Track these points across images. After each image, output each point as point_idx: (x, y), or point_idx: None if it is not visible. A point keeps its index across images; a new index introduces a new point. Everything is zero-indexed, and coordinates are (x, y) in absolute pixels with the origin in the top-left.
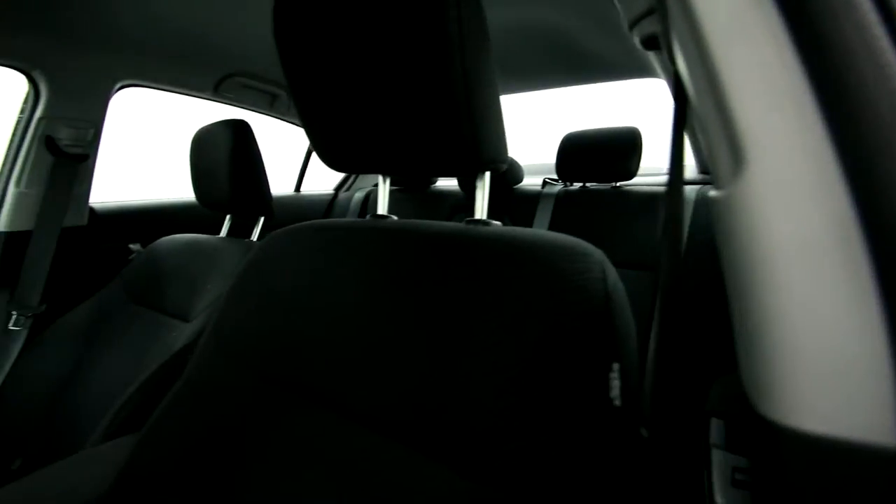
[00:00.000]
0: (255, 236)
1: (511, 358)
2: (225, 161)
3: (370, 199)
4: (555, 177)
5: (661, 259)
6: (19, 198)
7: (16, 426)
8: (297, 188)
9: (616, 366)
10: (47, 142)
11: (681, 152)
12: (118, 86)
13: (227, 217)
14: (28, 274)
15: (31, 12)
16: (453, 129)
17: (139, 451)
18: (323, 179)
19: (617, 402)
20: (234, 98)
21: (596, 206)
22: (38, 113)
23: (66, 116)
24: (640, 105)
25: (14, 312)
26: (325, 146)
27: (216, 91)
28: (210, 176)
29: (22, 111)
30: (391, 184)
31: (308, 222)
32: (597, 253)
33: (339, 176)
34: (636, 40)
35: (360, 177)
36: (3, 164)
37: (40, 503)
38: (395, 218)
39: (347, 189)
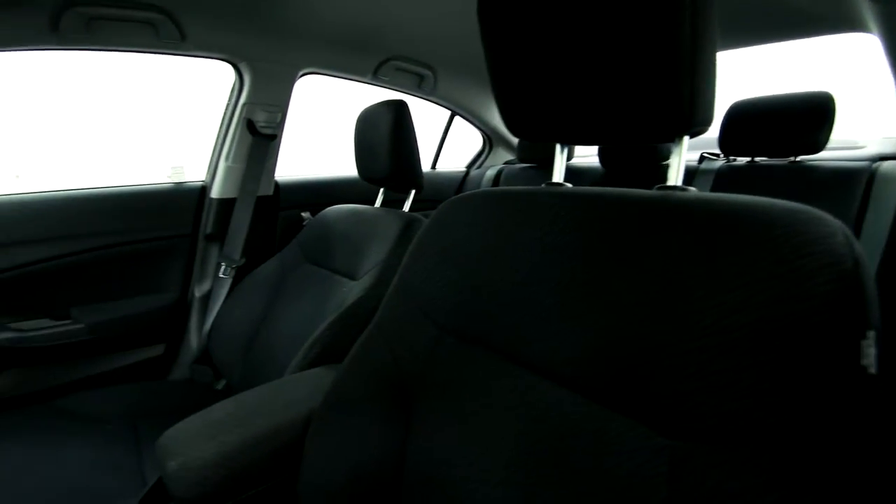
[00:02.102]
0: (406, 207)
1: (732, 321)
2: (385, 138)
3: (501, 176)
4: (714, 151)
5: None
6: (227, 171)
7: (222, 355)
8: (433, 166)
9: (871, 333)
10: (248, 124)
11: None
12: (301, 73)
13: (381, 190)
14: (232, 233)
15: (240, 11)
16: (670, 91)
17: (341, 377)
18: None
19: (872, 370)
20: (389, 81)
21: (767, 183)
22: (242, 99)
23: (262, 102)
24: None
25: (223, 263)
26: (514, 115)
27: (374, 75)
28: (371, 151)
29: (229, 98)
30: (523, 160)
31: (486, 189)
32: (832, 217)
33: (470, 155)
34: None
35: (492, 154)
36: (216, 144)
37: (273, 407)
38: (570, 185)
39: (479, 167)
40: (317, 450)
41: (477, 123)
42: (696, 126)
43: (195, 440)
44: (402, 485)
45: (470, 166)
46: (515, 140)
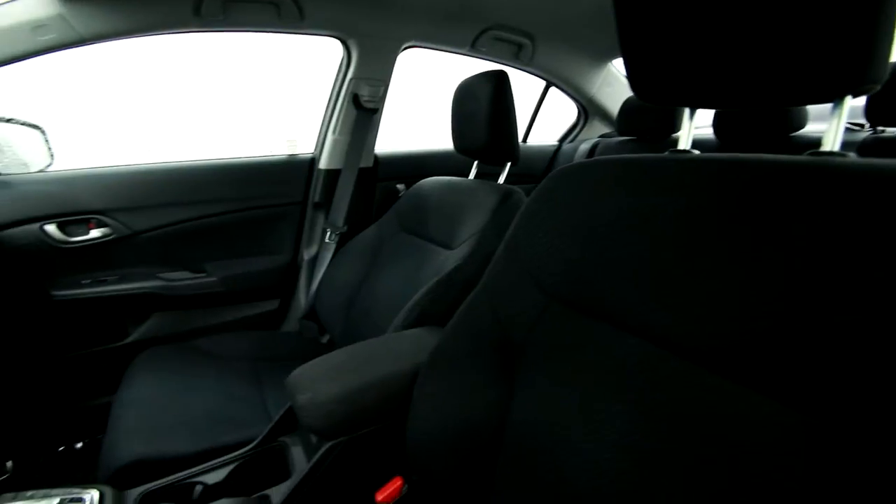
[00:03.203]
0: (501, 179)
1: (889, 297)
2: (483, 109)
3: (597, 150)
4: (859, 121)
5: None
6: (334, 143)
7: (326, 313)
8: (524, 139)
9: None
10: (353, 98)
11: None
12: (403, 46)
13: (475, 163)
14: (337, 202)
15: None
16: (841, 41)
17: (447, 335)
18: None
19: None
20: (487, 52)
21: None
22: (349, 75)
23: (367, 77)
24: None
25: (328, 230)
26: (643, 76)
27: (473, 46)
28: (468, 123)
29: (337, 74)
30: (623, 133)
31: (606, 157)
32: None
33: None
34: None
35: (587, 127)
36: (324, 118)
37: (383, 359)
38: (696, 152)
39: (572, 140)
40: (423, 400)
41: (573, 94)
42: (867, 83)
43: (320, 380)
44: (503, 442)
45: (563, 140)
46: (614, 111)
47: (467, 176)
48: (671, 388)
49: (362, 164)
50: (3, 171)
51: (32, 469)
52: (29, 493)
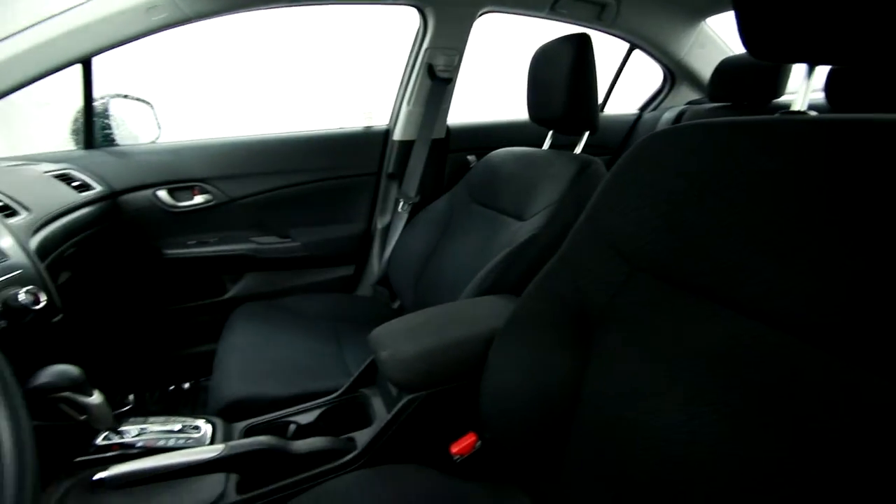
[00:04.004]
0: (579, 149)
1: None
2: (563, 75)
3: (683, 118)
4: None
5: None
6: (408, 115)
7: (398, 280)
8: (602, 108)
9: None
10: (428, 69)
11: None
12: (480, 12)
13: (550, 133)
14: (410, 173)
15: None
16: None
17: (525, 302)
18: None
19: None
20: (567, 14)
21: None
22: (425, 45)
23: (442, 46)
24: None
25: (401, 200)
26: (757, 28)
27: (552, 9)
28: (545, 91)
29: (413, 45)
30: (715, 99)
31: (705, 120)
32: None
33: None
34: None
35: (673, 93)
36: (399, 89)
37: (459, 322)
38: (813, 113)
39: (654, 108)
40: (498, 363)
41: (659, 56)
42: None
43: (400, 338)
44: (577, 408)
45: (644, 108)
46: (706, 75)
47: (540, 147)
48: (762, 360)
49: (435, 136)
50: (120, 143)
51: (148, 403)
52: (153, 419)
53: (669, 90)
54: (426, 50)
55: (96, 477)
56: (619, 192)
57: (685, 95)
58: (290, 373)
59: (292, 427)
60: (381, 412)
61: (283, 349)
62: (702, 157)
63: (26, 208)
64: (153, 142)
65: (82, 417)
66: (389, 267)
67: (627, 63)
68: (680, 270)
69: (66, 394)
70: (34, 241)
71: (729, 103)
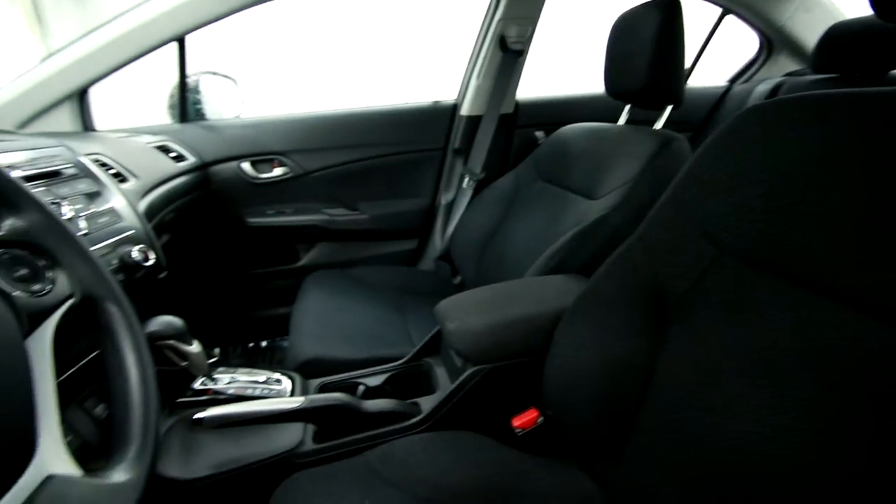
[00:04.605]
0: (659, 125)
1: None
2: (646, 44)
3: (780, 91)
4: None
5: None
6: (477, 89)
7: (460, 256)
8: (685, 80)
9: None
10: (500, 41)
11: None
12: None
13: (627, 108)
14: (476, 149)
15: None
16: None
17: (598, 281)
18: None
19: None
20: None
21: None
22: (498, 15)
23: (516, 16)
24: None
25: (466, 176)
26: None
27: None
28: (625, 62)
29: (485, 16)
30: (820, 70)
31: (811, 93)
32: None
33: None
34: None
35: (769, 63)
36: (469, 63)
37: (526, 299)
38: None
39: (746, 80)
40: (565, 341)
41: (756, 22)
42: None
43: (466, 312)
44: (648, 392)
45: (734, 80)
46: (810, 43)
47: (614, 122)
48: (869, 358)
49: (503, 111)
50: (208, 117)
51: (231, 357)
52: (241, 370)
53: (765, 60)
54: (499, 21)
55: (196, 416)
56: (709, 170)
57: (783, 66)
58: (359, 338)
59: (361, 388)
60: (444, 381)
61: (352, 315)
62: (808, 134)
63: (135, 175)
64: (237, 116)
65: (183, 364)
66: (452, 242)
67: (718, 30)
68: (774, 257)
69: (171, 342)
70: (142, 205)
71: (836, 75)
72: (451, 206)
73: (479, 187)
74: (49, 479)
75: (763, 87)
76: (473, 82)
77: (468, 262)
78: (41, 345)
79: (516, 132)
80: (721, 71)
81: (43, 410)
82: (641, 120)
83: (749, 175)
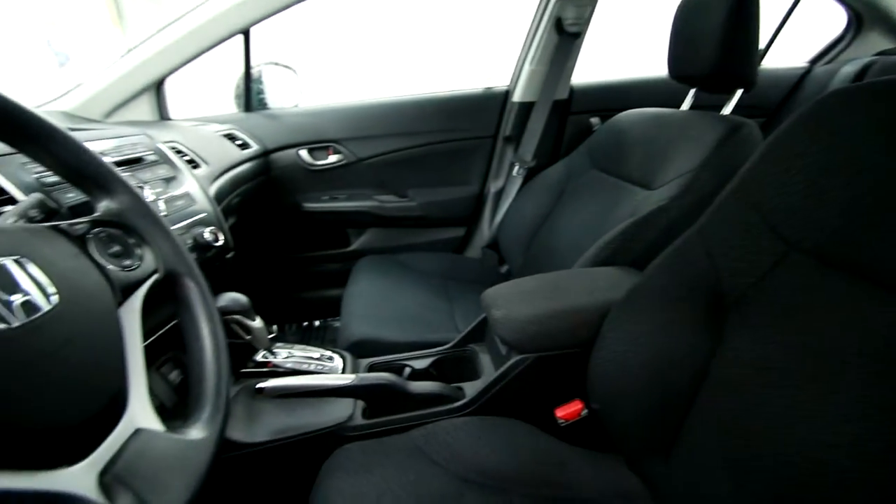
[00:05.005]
0: (727, 110)
1: None
2: (717, 23)
3: (868, 72)
4: None
5: None
6: (531, 74)
7: (507, 244)
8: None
9: None
10: (557, 23)
11: None
12: None
13: (692, 92)
14: (527, 136)
15: None
16: None
17: (651, 274)
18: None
19: None
20: None
21: None
22: None
23: None
24: None
25: (516, 164)
26: None
27: None
28: (693, 42)
29: None
30: None
31: None
32: None
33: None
34: None
35: (857, 42)
36: (522, 48)
37: (574, 290)
38: None
39: (830, 60)
40: (614, 334)
41: None
42: None
43: (513, 300)
44: (699, 391)
45: (816, 60)
46: None
47: (677, 108)
48: None
49: (557, 97)
50: (269, 106)
51: (286, 334)
52: (297, 346)
53: (853, 38)
54: (556, 2)
55: (258, 385)
56: (782, 160)
57: (874, 44)
58: (407, 322)
59: (407, 370)
60: (488, 368)
61: (401, 300)
62: None
63: (206, 162)
64: (296, 105)
65: (247, 338)
66: (500, 231)
67: (798, 5)
68: (851, 256)
69: (237, 317)
70: (212, 190)
71: None
72: (499, 195)
73: (529, 175)
74: (137, 432)
75: (849, 69)
76: (527, 67)
77: (516, 251)
78: (131, 314)
79: (570, 119)
80: (801, 51)
81: (133, 372)
82: (707, 105)
83: (828, 166)
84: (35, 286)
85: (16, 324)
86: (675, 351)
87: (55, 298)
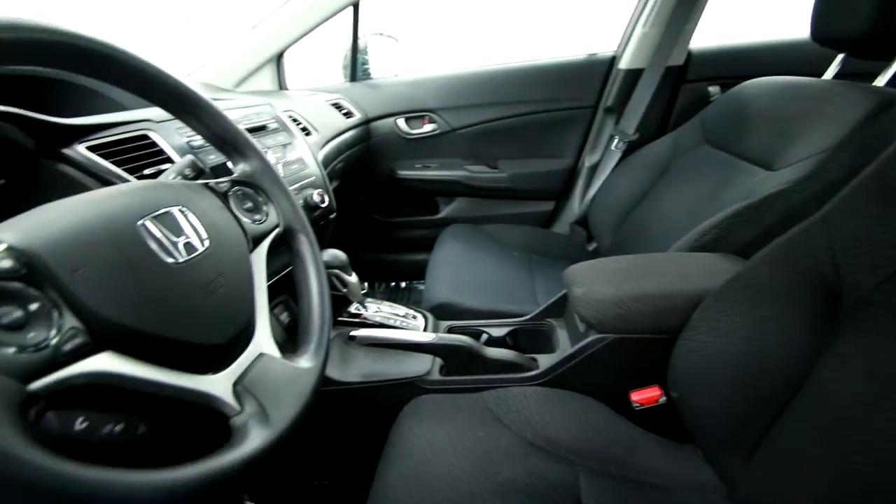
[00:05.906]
0: (881, 81)
1: None
2: None
3: None
4: None
5: None
6: (642, 38)
7: (598, 222)
8: None
9: None
10: None
11: None
12: None
13: (839, 58)
14: (631, 107)
15: None
16: None
17: (758, 263)
18: None
19: None
20: None
21: None
22: None
23: None
24: None
25: (615, 136)
26: None
27: None
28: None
29: None
30: None
31: None
32: None
33: None
34: None
35: None
36: (635, 8)
37: (665, 275)
38: None
39: None
40: (707, 324)
41: None
42: None
43: (597, 279)
44: (797, 395)
45: None
46: None
47: (818, 77)
48: None
49: (671, 62)
50: (372, 76)
51: (375, 292)
52: (384, 304)
53: None
54: None
55: (351, 333)
56: None
57: None
58: (487, 290)
59: (484, 336)
60: (564, 343)
61: (483, 269)
62: None
63: (316, 129)
64: (396, 75)
65: (343, 291)
66: (591, 207)
67: None
68: None
69: (336, 271)
70: (320, 155)
71: None
72: (594, 169)
73: (630, 150)
74: (261, 356)
75: None
76: (639, 30)
77: (606, 229)
78: (259, 260)
79: (684, 87)
80: None
81: (259, 307)
82: (856, 74)
83: None
84: (193, 231)
85: (181, 259)
86: (774, 349)
87: (207, 242)
